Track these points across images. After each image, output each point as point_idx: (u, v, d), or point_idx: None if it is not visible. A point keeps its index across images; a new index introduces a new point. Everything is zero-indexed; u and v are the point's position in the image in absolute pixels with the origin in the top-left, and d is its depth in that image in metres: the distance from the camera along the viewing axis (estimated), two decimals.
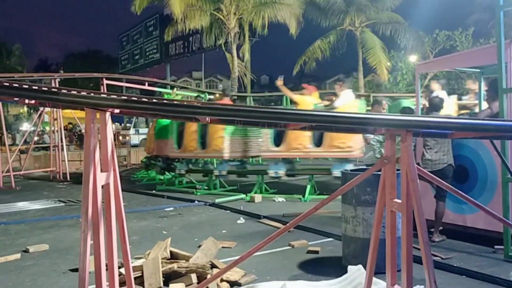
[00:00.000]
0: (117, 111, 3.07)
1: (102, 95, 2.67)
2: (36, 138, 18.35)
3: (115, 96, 2.57)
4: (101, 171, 2.90)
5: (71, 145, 22.89)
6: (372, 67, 25.71)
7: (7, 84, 2.63)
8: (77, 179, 13.04)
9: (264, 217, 7.28)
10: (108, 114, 2.96)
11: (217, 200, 8.92)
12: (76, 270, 4.91)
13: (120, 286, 3.21)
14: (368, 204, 4.58)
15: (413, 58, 26.92)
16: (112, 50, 46.10)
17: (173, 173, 11.63)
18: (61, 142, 14.06)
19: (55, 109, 14.21)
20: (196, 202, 8.96)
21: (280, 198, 9.08)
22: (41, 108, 15.15)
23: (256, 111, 2.55)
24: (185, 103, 2.63)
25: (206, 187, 10.36)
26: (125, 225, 3.16)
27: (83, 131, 20.42)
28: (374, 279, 3.34)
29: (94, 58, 52.34)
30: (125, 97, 2.53)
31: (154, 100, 2.69)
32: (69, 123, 28.05)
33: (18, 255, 5.55)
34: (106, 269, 2.91)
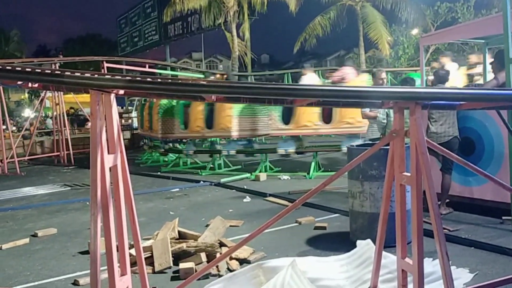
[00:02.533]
0: (121, 92, 3.05)
1: (107, 76, 2.63)
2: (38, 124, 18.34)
3: (119, 77, 2.54)
4: (108, 153, 2.89)
5: (73, 129, 22.88)
6: (374, 42, 25.47)
7: (10, 68, 2.59)
8: (81, 162, 13.08)
9: (270, 195, 7.30)
10: (113, 96, 2.93)
11: (222, 180, 8.94)
12: (85, 252, 4.96)
13: (131, 266, 3.23)
14: (375, 179, 4.57)
15: (414, 32, 26.66)
16: (111, 33, 45.79)
17: (177, 155, 11.62)
18: (64, 126, 14.05)
19: (56, 94, 14.20)
20: (202, 182, 8.98)
21: (285, 176, 9.09)
22: (42, 94, 15.13)
23: (263, 88, 2.51)
24: (190, 81, 2.58)
25: (211, 167, 10.37)
26: (134, 206, 3.15)
27: (84, 115, 20.44)
28: (384, 253, 3.35)
29: (93, 42, 52.05)
30: (130, 78, 2.49)
31: (159, 80, 2.65)
32: (71, 108, 28.04)
33: (27, 240, 5.59)
34: (117, 251, 2.92)
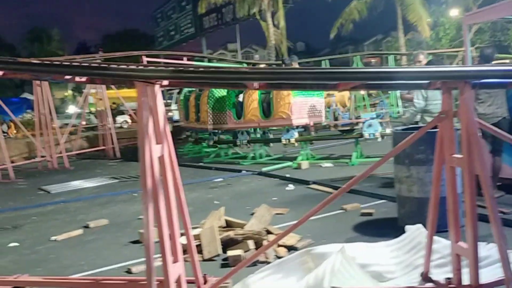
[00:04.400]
0: (165, 83, 3.09)
1: (151, 68, 2.68)
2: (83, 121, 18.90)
3: (163, 68, 2.57)
4: (156, 143, 2.95)
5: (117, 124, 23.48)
6: (412, 24, 24.80)
7: (58, 63, 2.68)
8: (126, 155, 13.44)
9: (313, 182, 7.27)
10: (157, 87, 2.98)
11: (264, 169, 8.97)
12: (136, 242, 5.10)
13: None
14: (422, 163, 4.47)
15: (455, 12, 25.75)
16: (148, 28, 46.50)
17: (219, 145, 11.67)
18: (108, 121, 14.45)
19: (99, 90, 14.57)
20: (244, 172, 9.04)
21: (327, 164, 9.03)
22: (86, 90, 15.58)
23: (308, 73, 2.50)
24: (232, 69, 2.60)
25: (252, 156, 10.41)
26: (182, 194, 3.22)
27: (127, 110, 20.90)
28: (436, 237, 3.28)
29: (131, 37, 53.01)
30: (173, 68, 2.53)
31: (201, 69, 2.68)
32: (113, 103, 28.72)
33: (80, 231, 5.80)
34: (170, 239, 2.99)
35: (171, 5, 33.12)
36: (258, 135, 10.72)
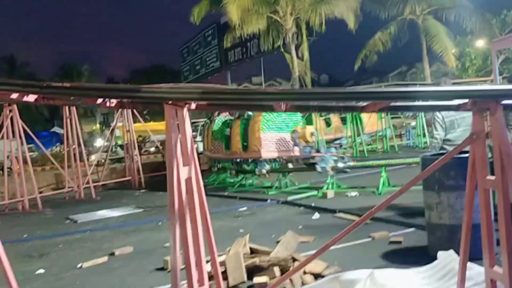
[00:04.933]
0: (193, 106, 3.14)
1: (180, 89, 2.72)
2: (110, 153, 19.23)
3: (192, 89, 2.61)
4: (183, 165, 2.97)
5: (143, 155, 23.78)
6: (438, 55, 24.72)
7: (90, 86, 2.75)
8: (152, 186, 13.55)
9: (339, 211, 7.16)
10: (185, 110, 3.02)
11: (290, 198, 8.89)
12: (161, 269, 5.09)
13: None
14: (453, 189, 4.36)
15: (481, 43, 25.61)
16: (174, 63, 47.57)
17: (242, 175, 11.74)
18: (135, 152, 14.66)
19: (127, 123, 14.85)
20: (269, 201, 8.99)
21: (353, 193, 8.89)
22: (113, 124, 15.93)
23: (334, 93, 2.49)
24: (258, 90, 2.62)
25: (276, 186, 10.36)
26: (208, 216, 3.21)
27: (153, 142, 21.23)
28: (469, 264, 3.16)
29: (158, 72, 54.21)
30: (202, 90, 2.57)
31: (229, 90, 2.71)
32: (139, 136, 29.21)
33: (105, 258, 5.82)
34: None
35: (197, 40, 33.93)
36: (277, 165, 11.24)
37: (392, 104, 3.02)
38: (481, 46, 25.41)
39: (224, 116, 12.59)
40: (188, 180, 3.02)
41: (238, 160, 11.54)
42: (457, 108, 3.09)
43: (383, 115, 16.66)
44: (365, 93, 2.49)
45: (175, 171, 2.78)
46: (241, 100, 2.65)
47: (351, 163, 9.85)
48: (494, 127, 2.71)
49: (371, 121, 17.32)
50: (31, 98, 3.21)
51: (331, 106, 3.05)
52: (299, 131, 10.80)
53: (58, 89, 2.78)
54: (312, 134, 10.99)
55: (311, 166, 10.28)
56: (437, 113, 6.13)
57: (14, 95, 3.03)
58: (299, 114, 11.48)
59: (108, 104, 3.12)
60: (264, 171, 10.49)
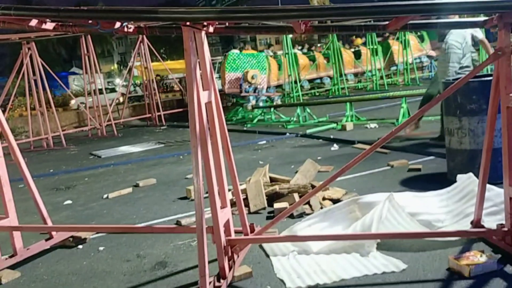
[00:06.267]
0: (211, 30, 3.09)
1: (199, 9, 2.68)
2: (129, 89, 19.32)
3: (210, 9, 2.56)
4: (203, 89, 2.97)
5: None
6: None
7: (108, 8, 2.72)
8: (171, 122, 13.71)
9: (358, 142, 7.17)
10: (203, 33, 2.99)
11: (308, 131, 8.91)
12: (184, 198, 5.24)
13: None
14: (474, 113, 4.30)
15: None
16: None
17: (261, 110, 11.84)
18: (154, 90, 14.69)
19: (145, 62, 14.77)
20: (288, 134, 9.02)
21: (372, 124, 8.85)
22: (130, 63, 15.87)
23: (356, 7, 2.41)
24: (278, 7, 2.55)
25: (295, 120, 10.35)
26: (228, 140, 3.25)
27: (171, 81, 21.18)
28: (488, 186, 3.17)
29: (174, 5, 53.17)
30: (221, 9, 2.52)
31: (248, 9, 2.65)
32: (157, 75, 29.14)
33: (130, 189, 6.00)
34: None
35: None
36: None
37: (415, 21, 2.94)
38: None
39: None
40: (208, 105, 3.04)
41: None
42: (483, 24, 2.99)
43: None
44: (387, 7, 2.40)
45: (195, 95, 2.79)
46: (259, 18, 2.59)
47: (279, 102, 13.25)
48: None
49: (349, 61, 18.22)
50: (49, 26, 3.20)
51: (351, 25, 2.98)
52: (245, 74, 12.66)
53: (76, 12, 2.76)
54: (252, 76, 12.64)
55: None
56: (454, 41, 5.97)
57: (33, 22, 3.03)
58: (263, 55, 13.94)
59: (125, 29, 3.11)
60: (249, 106, 12.37)
